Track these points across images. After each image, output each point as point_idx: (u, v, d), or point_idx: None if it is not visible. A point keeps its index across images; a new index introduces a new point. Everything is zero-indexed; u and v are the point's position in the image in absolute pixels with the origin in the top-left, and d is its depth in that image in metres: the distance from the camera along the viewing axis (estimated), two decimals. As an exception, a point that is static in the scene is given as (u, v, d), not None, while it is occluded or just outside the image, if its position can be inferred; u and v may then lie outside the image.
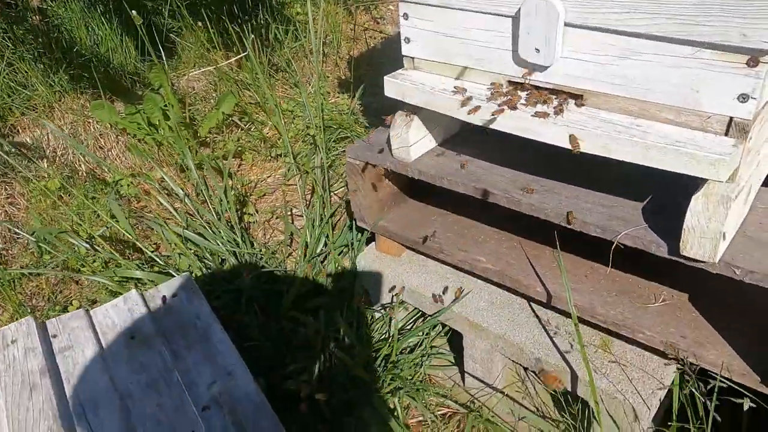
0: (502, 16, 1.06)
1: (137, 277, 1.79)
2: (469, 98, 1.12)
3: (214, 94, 2.72)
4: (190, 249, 1.92)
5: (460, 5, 1.10)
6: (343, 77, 2.99)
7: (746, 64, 0.84)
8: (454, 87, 1.15)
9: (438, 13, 1.15)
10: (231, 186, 2.23)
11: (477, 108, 1.10)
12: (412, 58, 1.25)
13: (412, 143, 1.29)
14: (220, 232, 1.91)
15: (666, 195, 1.12)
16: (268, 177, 2.45)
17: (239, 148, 2.50)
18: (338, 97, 2.80)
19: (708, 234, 0.92)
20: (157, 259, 1.84)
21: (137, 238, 1.88)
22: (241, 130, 2.61)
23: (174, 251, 1.88)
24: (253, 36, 2.49)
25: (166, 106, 2.42)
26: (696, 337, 1.09)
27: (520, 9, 1.01)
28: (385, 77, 1.26)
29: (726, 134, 0.91)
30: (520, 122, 1.06)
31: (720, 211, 0.90)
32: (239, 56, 2.48)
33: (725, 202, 0.89)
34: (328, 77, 2.99)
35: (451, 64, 1.18)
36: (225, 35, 2.78)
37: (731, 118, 0.90)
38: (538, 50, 1.03)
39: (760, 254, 0.95)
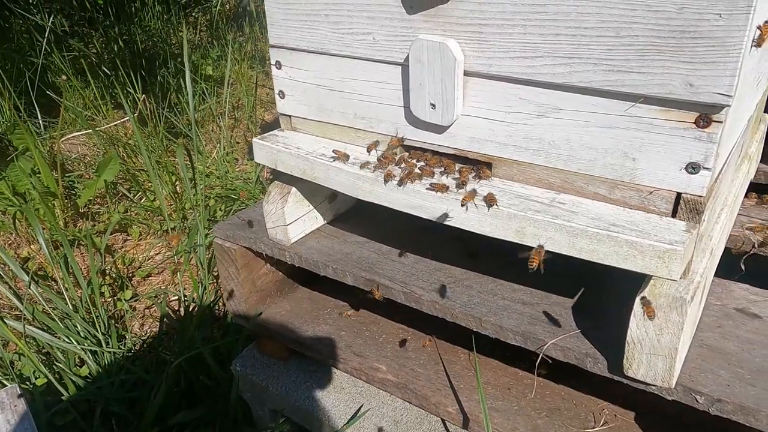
0: (388, 63, 0.83)
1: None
2: (351, 166, 0.87)
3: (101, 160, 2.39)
4: (39, 349, 1.54)
5: (338, 50, 0.87)
6: (254, 143, 2.73)
7: (695, 123, 0.63)
8: (333, 152, 0.90)
9: (314, 60, 0.91)
10: (106, 266, 1.88)
11: (360, 179, 0.85)
12: (289, 116, 1.01)
13: (290, 222, 1.02)
14: (76, 326, 1.55)
15: (602, 286, 0.89)
16: (157, 254, 2.11)
17: (125, 221, 2.17)
18: (246, 164, 2.54)
19: (660, 350, 0.68)
20: (-14, 365, 1.45)
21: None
22: (129, 200, 2.28)
23: (12, 353, 1.50)
24: (144, 96, 2.21)
25: (38, 172, 2.08)
26: (649, 475, 0.84)
27: (408, 55, 0.79)
28: (254, 140, 1.00)
29: (673, 215, 0.69)
30: (412, 197, 0.81)
31: (673, 318, 0.66)
32: (123, 119, 2.19)
33: (679, 306, 0.66)
34: (238, 143, 2.74)
35: (332, 123, 0.94)
36: (117, 95, 2.50)
37: (679, 195, 0.68)
38: (433, 106, 0.80)
39: (727, 372, 0.72)
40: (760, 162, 1.15)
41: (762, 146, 1.15)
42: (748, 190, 1.10)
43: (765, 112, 1.17)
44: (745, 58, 0.59)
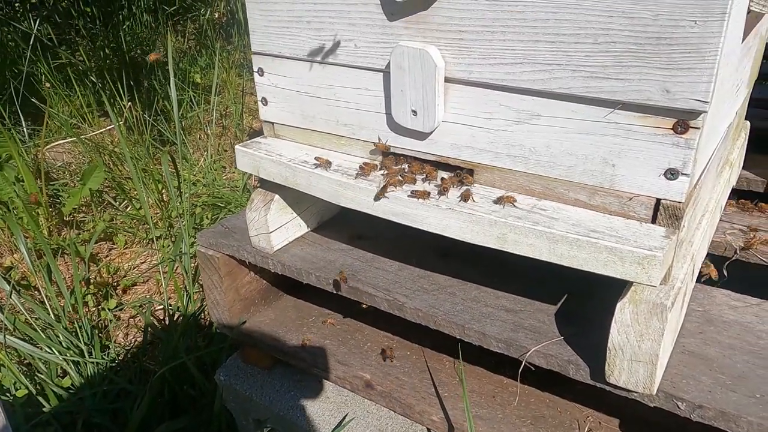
0: (370, 70, 0.83)
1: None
2: (333, 173, 0.86)
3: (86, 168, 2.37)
4: (20, 360, 1.52)
5: (321, 57, 0.87)
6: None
7: (672, 129, 0.64)
8: (316, 158, 0.90)
9: (297, 67, 0.91)
10: (90, 275, 1.86)
11: (342, 186, 0.85)
12: (272, 123, 1.00)
13: (273, 229, 1.01)
14: (58, 336, 1.53)
15: (586, 293, 0.89)
16: (143, 263, 2.10)
17: (110, 230, 2.15)
18: (234, 172, 2.53)
19: (641, 356, 0.68)
20: (-35, 376, 1.43)
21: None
22: (115, 209, 2.26)
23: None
24: (131, 104, 2.20)
25: (21, 181, 2.06)
26: (633, 482, 0.83)
27: (389, 62, 0.79)
28: (236, 147, 1.00)
29: (653, 221, 0.69)
30: (393, 204, 0.81)
31: (654, 324, 0.66)
32: (109, 127, 2.17)
33: (660, 312, 0.66)
34: (225, 151, 2.73)
35: (315, 130, 0.94)
36: (103, 103, 2.48)
37: (658, 201, 0.68)
38: (415, 113, 0.80)
39: (709, 378, 0.72)
40: (742, 168, 1.16)
41: (744, 153, 1.16)
42: (731, 197, 1.10)
43: (746, 119, 1.18)
44: (721, 64, 0.59)
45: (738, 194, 1.12)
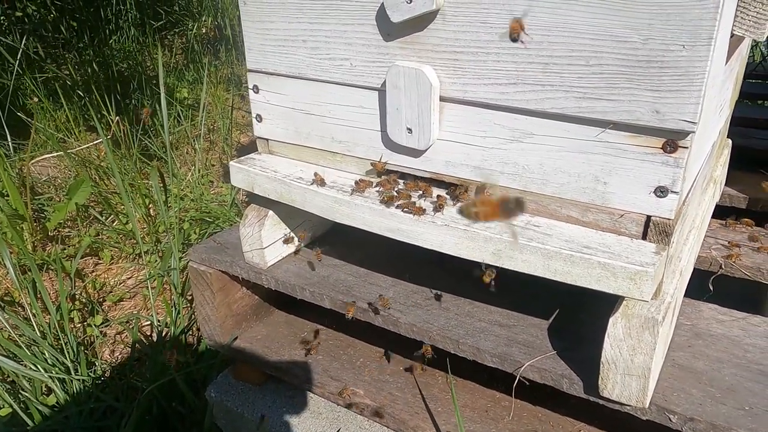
0: (366, 88, 0.84)
1: None
2: (329, 189, 0.87)
3: (72, 182, 2.35)
4: (4, 377, 1.49)
5: (316, 75, 0.88)
6: (230, 165, 2.72)
7: (662, 148, 0.66)
8: (314, 175, 0.90)
9: (292, 85, 0.92)
10: (76, 290, 1.83)
11: (338, 202, 0.85)
12: (266, 139, 1.01)
13: (267, 245, 1.02)
14: (43, 353, 1.50)
15: (578, 307, 0.90)
16: (129, 278, 2.07)
17: (96, 245, 2.13)
18: (222, 186, 2.53)
19: (634, 370, 0.69)
20: (-53, 394, 1.40)
21: None
22: (101, 223, 2.24)
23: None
24: (118, 118, 2.19)
25: (6, 195, 2.04)
26: (625, 496, 0.84)
27: (385, 81, 0.80)
28: (230, 163, 1.00)
29: (644, 237, 0.71)
30: (389, 220, 0.82)
31: (646, 338, 0.68)
32: (96, 141, 2.16)
33: (651, 326, 0.68)
34: (213, 165, 2.72)
35: (309, 147, 0.95)
36: (90, 117, 2.47)
37: (649, 217, 0.70)
38: (410, 131, 0.81)
39: (699, 391, 0.73)
40: (725, 185, 1.19)
41: (726, 170, 1.19)
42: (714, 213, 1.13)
43: (727, 137, 1.22)
44: (708, 86, 0.61)
45: (721, 210, 1.15)
